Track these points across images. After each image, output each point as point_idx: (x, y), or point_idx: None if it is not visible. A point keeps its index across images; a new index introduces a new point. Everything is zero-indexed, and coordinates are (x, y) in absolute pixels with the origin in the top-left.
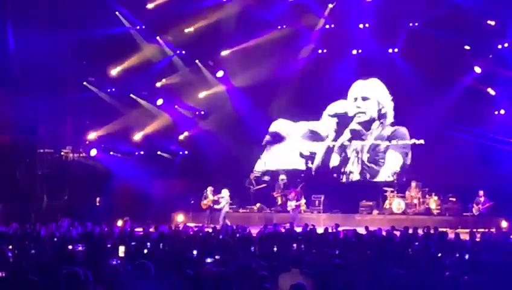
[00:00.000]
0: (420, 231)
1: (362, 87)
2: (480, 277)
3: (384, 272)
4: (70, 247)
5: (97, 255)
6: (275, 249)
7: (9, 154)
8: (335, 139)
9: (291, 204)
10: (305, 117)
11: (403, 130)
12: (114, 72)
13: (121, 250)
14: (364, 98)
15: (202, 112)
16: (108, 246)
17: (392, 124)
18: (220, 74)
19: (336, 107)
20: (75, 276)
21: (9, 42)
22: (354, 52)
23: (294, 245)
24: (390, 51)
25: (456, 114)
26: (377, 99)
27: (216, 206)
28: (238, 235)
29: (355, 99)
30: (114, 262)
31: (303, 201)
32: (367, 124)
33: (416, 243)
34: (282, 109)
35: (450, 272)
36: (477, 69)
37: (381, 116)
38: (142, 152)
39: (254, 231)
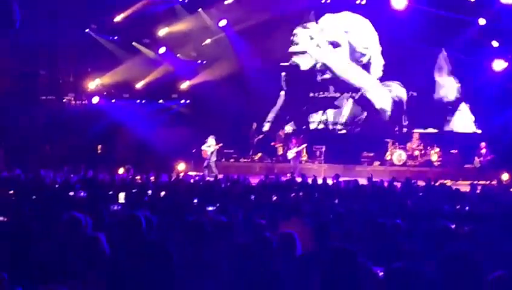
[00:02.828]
0: (421, 183)
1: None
2: (480, 228)
3: (384, 222)
4: (71, 193)
5: (98, 201)
6: (274, 198)
7: (11, 101)
8: None
9: (292, 151)
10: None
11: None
12: (117, 19)
13: (121, 196)
14: (333, 45)
15: (204, 62)
16: (110, 193)
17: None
18: (222, 22)
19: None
20: (76, 221)
21: None
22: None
23: (294, 195)
24: None
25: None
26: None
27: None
28: (238, 184)
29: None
30: (115, 207)
31: (303, 146)
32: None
33: (418, 194)
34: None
35: (449, 223)
36: (482, 21)
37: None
38: (143, 101)
39: (255, 181)
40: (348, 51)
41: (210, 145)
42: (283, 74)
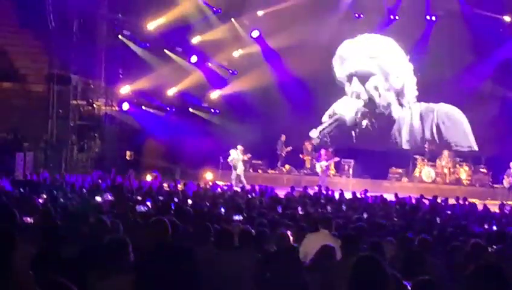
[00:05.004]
0: (449, 201)
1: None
2: (508, 248)
3: (412, 237)
4: (99, 198)
5: (125, 205)
6: (302, 211)
7: (43, 104)
8: None
9: (322, 165)
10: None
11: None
12: (150, 26)
13: (149, 202)
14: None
15: (236, 72)
16: (139, 198)
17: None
18: (255, 33)
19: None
20: (103, 224)
21: None
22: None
23: (321, 207)
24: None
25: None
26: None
27: (238, 172)
28: (265, 195)
29: (350, 78)
30: (142, 209)
31: (334, 160)
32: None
33: (446, 212)
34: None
35: (476, 241)
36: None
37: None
38: (174, 108)
39: (282, 193)
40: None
41: (233, 158)
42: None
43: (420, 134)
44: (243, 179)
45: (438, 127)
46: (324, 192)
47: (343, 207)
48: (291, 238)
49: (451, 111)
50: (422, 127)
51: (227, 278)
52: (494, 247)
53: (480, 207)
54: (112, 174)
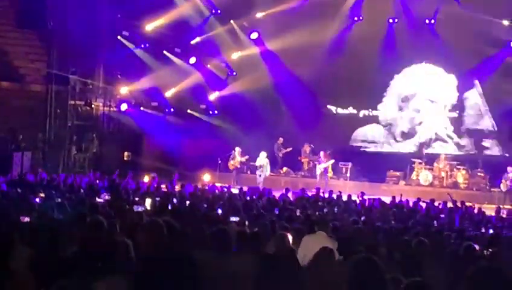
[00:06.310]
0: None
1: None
2: (504, 251)
3: (409, 239)
4: (96, 198)
5: (122, 205)
6: (299, 213)
7: (42, 104)
8: None
9: (320, 167)
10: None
11: None
12: (149, 27)
13: (148, 202)
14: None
15: (234, 73)
16: (136, 199)
17: None
18: (254, 35)
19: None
20: (100, 224)
21: None
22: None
23: (319, 210)
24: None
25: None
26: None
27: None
28: (263, 197)
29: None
30: (139, 209)
31: (331, 162)
32: None
33: (442, 216)
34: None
35: (473, 244)
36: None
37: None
38: (172, 109)
39: (279, 195)
40: None
41: (262, 162)
42: None
43: None
44: (262, 180)
45: None
46: (322, 194)
47: (341, 209)
48: (290, 240)
49: None
50: None
51: (226, 281)
52: (490, 250)
53: (477, 211)
54: (115, 175)
